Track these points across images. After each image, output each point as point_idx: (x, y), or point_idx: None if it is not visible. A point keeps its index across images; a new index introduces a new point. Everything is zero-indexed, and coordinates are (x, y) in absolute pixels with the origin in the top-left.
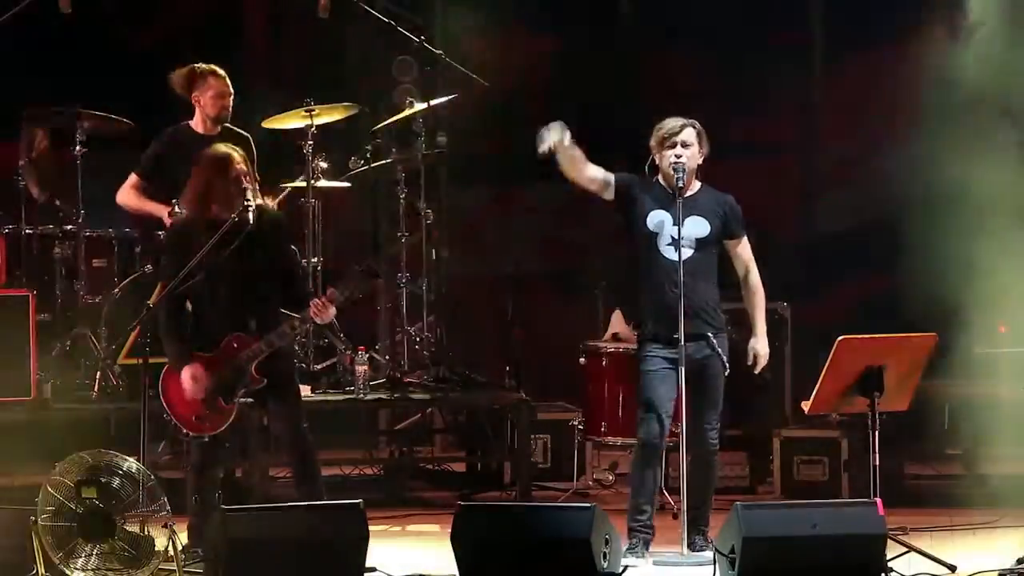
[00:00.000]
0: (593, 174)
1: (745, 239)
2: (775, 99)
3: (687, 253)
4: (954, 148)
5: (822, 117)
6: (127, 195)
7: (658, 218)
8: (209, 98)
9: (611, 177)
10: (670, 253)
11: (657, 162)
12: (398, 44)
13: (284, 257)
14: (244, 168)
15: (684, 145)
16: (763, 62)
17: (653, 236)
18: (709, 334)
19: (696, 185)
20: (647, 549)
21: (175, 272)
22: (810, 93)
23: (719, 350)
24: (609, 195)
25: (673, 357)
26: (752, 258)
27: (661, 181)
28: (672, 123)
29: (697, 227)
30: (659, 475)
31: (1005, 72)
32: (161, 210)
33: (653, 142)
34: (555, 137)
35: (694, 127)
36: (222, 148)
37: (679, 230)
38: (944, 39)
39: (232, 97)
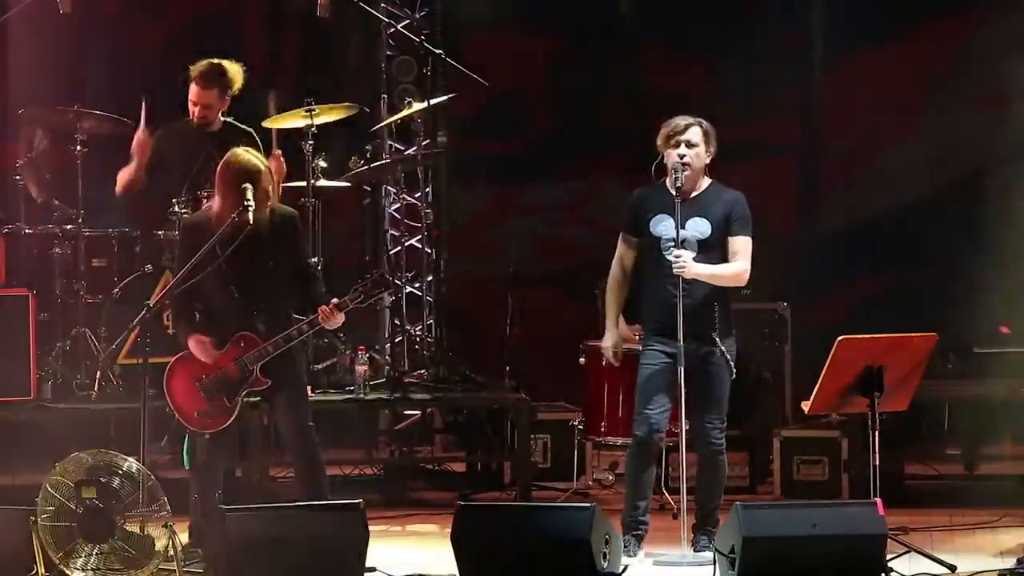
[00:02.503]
0: (626, 273)
1: (743, 239)
2: (774, 99)
3: (690, 255)
4: (955, 148)
5: (822, 117)
6: (119, 180)
7: (662, 222)
8: (189, 102)
9: (630, 247)
10: (672, 255)
11: (664, 161)
12: (398, 44)
13: (298, 258)
14: (270, 179)
15: (689, 144)
16: (763, 62)
17: (656, 241)
18: (712, 333)
19: (704, 184)
20: (640, 546)
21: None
22: (810, 93)
23: (722, 348)
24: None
25: (671, 352)
26: (743, 253)
27: (668, 183)
28: (678, 121)
29: (699, 228)
30: (653, 472)
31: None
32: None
33: (660, 141)
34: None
35: (700, 126)
36: (255, 160)
37: (682, 230)
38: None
39: (210, 108)
